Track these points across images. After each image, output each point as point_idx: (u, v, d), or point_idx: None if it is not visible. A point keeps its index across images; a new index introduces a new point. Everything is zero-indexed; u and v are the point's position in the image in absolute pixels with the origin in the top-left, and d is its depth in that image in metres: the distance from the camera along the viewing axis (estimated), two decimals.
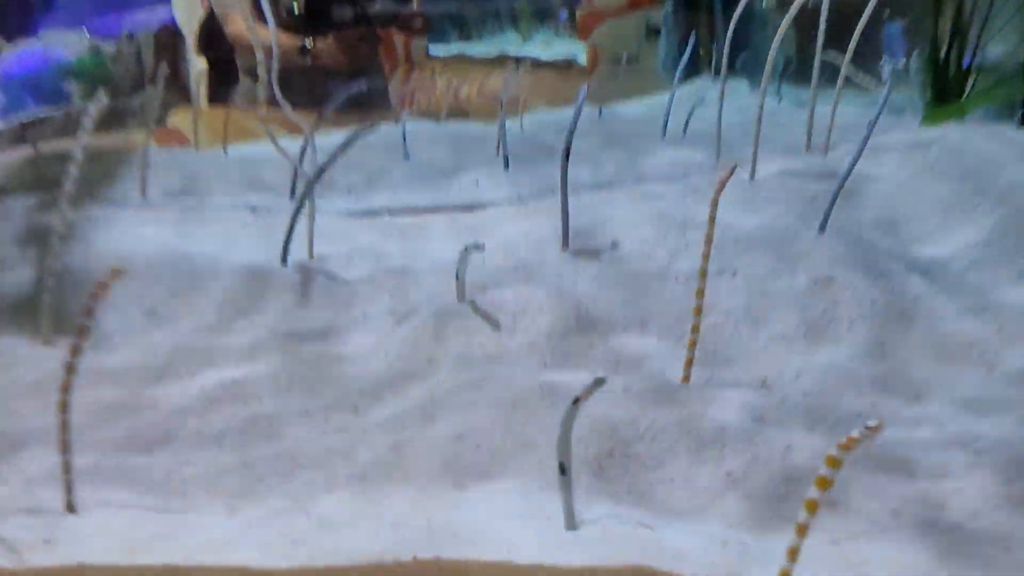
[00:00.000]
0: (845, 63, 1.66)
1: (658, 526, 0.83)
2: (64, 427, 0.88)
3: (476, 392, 1.04)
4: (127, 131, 2.22)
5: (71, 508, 0.91)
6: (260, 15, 2.19)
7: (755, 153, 1.63)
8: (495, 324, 1.19)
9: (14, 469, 0.95)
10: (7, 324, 1.22)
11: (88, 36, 2.23)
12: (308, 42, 2.67)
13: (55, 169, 1.74)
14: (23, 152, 1.85)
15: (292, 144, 1.72)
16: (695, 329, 1.06)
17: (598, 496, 0.89)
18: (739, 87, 2.39)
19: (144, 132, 1.98)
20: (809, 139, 1.74)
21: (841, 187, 1.33)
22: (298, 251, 1.44)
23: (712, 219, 1.03)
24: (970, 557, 0.79)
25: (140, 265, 1.33)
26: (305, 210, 1.43)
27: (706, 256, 1.05)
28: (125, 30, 2.36)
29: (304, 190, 1.38)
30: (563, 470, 0.82)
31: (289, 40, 2.65)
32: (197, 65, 2.63)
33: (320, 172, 1.37)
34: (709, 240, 1.04)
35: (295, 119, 1.72)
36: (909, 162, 1.59)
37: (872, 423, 0.67)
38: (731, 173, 1.00)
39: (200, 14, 2.69)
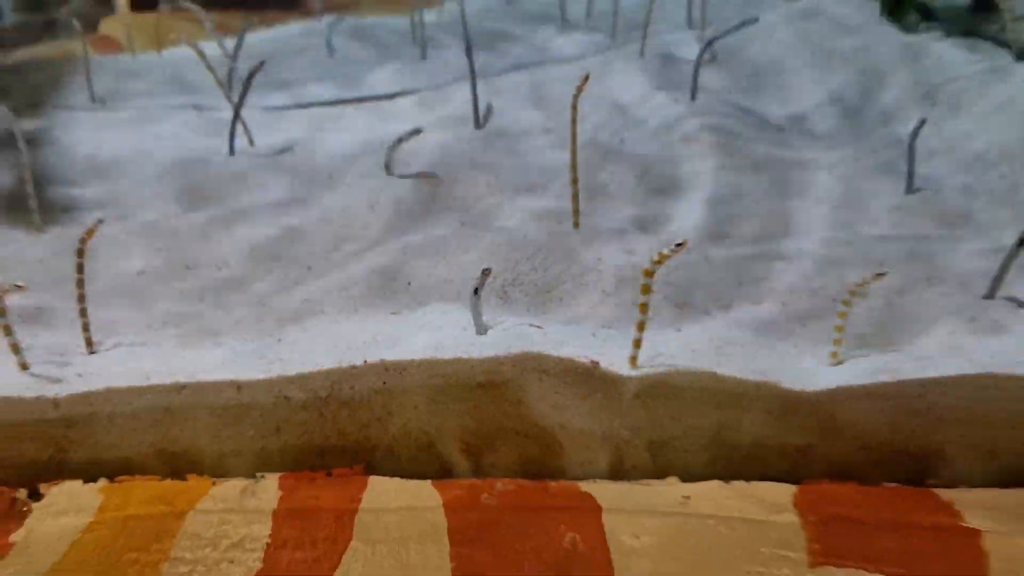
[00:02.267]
0: None
1: (546, 328, 1.14)
2: (81, 289, 1.14)
3: (405, 245, 1.32)
4: (60, 40, 2.37)
5: (91, 350, 1.19)
6: None
7: (644, 33, 1.89)
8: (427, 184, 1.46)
9: (42, 328, 1.21)
10: (3, 218, 1.46)
11: None
12: None
13: (7, 79, 1.94)
14: None
15: (209, 45, 1.92)
16: (575, 185, 1.34)
17: (504, 313, 1.20)
18: None
19: (79, 40, 2.16)
20: (690, 15, 2.00)
21: (698, 64, 1.61)
22: (240, 142, 1.68)
23: (573, 121, 1.28)
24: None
25: (110, 159, 1.57)
26: (242, 103, 1.67)
27: (573, 143, 1.31)
28: None
29: (244, 87, 1.61)
30: (476, 292, 1.11)
31: None
32: None
33: (255, 70, 1.60)
34: (573, 137, 1.30)
35: (202, 17, 1.91)
36: (771, 34, 1.87)
37: (679, 241, 0.98)
38: (585, 81, 1.24)
39: None
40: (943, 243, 1.29)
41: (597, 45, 1.99)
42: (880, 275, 1.08)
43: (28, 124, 1.65)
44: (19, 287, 1.02)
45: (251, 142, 1.68)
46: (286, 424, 1.13)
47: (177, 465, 1.16)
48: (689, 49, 1.86)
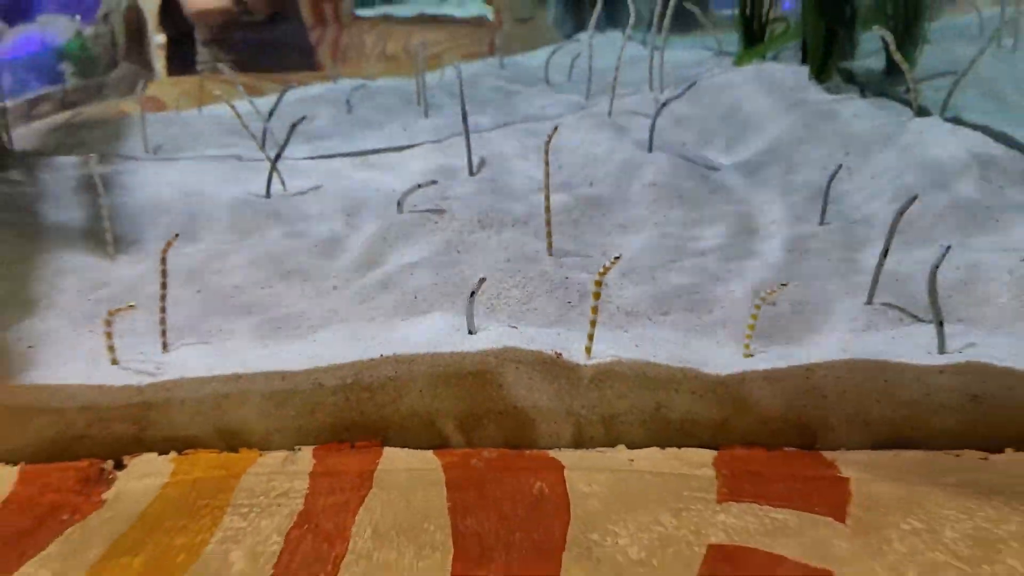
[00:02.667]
0: (665, 26, 2.26)
1: (520, 329, 1.44)
2: (164, 291, 1.44)
3: (412, 267, 1.63)
4: (113, 100, 2.71)
5: (165, 349, 1.49)
6: None
7: (612, 95, 2.22)
8: (431, 220, 1.78)
9: (126, 333, 1.52)
10: (81, 247, 1.77)
11: (78, 20, 2.69)
12: None
13: (76, 134, 2.27)
14: (44, 122, 2.35)
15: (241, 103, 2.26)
16: (548, 215, 1.66)
17: (489, 320, 1.50)
18: (616, 37, 2.96)
19: (129, 100, 2.50)
20: (651, 80, 2.33)
21: (654, 121, 1.93)
22: (274, 186, 1.99)
23: (546, 163, 1.61)
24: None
25: (167, 200, 1.89)
26: (281, 154, 2.00)
27: (546, 182, 1.63)
28: (101, 11, 2.82)
29: (285, 139, 1.93)
30: (472, 294, 1.41)
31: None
32: (157, 39, 3.11)
33: (295, 125, 1.92)
34: (547, 175, 1.62)
35: (233, 78, 2.25)
36: (718, 95, 2.20)
37: (616, 256, 1.28)
38: (554, 131, 1.57)
39: None
40: (844, 263, 1.59)
41: (574, 105, 2.32)
42: (784, 285, 1.38)
43: (98, 170, 1.97)
44: (131, 306, 1.33)
45: (284, 186, 2.00)
46: (320, 406, 1.43)
47: (232, 442, 1.45)
48: (649, 108, 2.18)
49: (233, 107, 2.11)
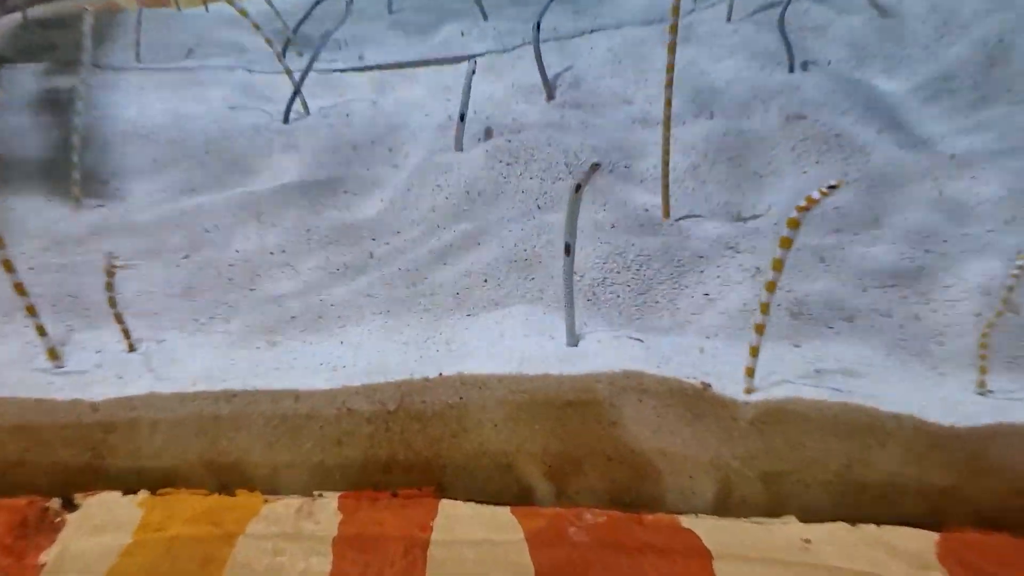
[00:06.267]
0: None
1: (647, 341, 0.96)
2: (112, 298, 0.98)
3: (477, 233, 1.15)
4: None
5: (132, 348, 1.03)
6: None
7: None
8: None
9: (77, 319, 1.06)
10: (37, 186, 1.30)
11: None
12: None
13: (45, 35, 1.77)
14: (9, 19, 1.85)
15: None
16: (665, 172, 1.16)
17: (593, 318, 1.02)
18: None
19: None
20: None
21: (785, 34, 1.41)
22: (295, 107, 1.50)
23: (668, 102, 1.10)
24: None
25: (154, 125, 1.41)
26: (294, 66, 1.50)
27: (665, 128, 1.13)
28: None
29: (312, 56, 1.43)
30: (568, 251, 0.92)
31: None
32: None
33: (324, 39, 1.41)
34: (667, 114, 1.12)
35: None
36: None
37: (833, 182, 0.78)
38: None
39: None
40: None
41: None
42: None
43: (67, 82, 1.49)
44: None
45: (306, 109, 1.50)
46: (349, 437, 0.99)
47: (226, 478, 1.02)
48: (773, 9, 1.64)
49: (237, 7, 1.60)
